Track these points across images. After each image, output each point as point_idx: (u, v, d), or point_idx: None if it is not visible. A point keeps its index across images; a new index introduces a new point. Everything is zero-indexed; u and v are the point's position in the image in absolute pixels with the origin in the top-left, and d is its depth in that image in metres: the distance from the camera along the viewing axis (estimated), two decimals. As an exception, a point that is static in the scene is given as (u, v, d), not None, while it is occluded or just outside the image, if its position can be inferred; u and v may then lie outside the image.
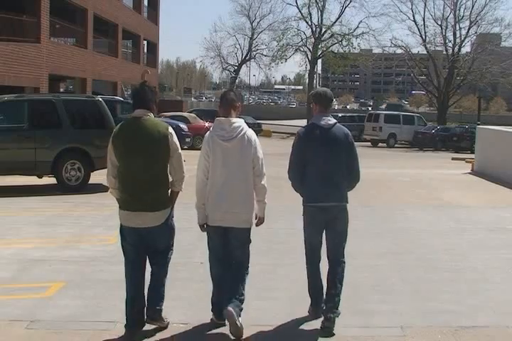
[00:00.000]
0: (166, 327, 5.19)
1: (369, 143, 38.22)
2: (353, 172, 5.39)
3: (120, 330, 5.19)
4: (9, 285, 6.42)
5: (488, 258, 7.96)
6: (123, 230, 5.13)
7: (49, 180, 13.46)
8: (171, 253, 5.29)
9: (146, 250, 5.14)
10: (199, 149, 5.51)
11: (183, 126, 22.79)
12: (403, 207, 11.89)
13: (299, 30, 50.98)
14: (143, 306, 5.08)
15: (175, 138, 5.11)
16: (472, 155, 22.05)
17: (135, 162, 4.99)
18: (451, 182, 16.61)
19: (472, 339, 5.24)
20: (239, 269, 5.27)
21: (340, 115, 43.69)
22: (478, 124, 28.74)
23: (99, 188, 13.17)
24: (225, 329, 5.14)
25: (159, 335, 5.13)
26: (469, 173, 18.96)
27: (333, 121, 5.37)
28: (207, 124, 27.31)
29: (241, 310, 5.06)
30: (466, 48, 51.35)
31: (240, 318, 4.97)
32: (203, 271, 6.92)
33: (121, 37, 38.00)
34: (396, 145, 37.58)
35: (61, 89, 35.26)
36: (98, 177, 13.66)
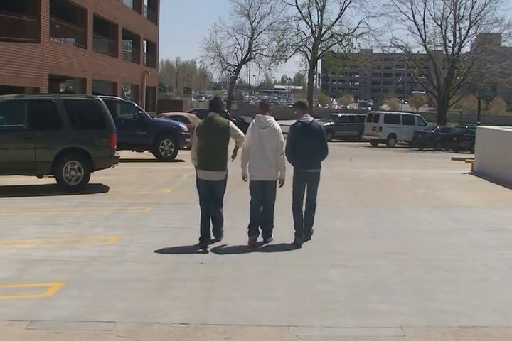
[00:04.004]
0: (222, 239, 8.46)
1: (369, 143, 38.22)
2: (324, 149, 8.50)
3: (120, 330, 5.21)
4: (9, 285, 6.42)
5: (488, 258, 7.97)
6: (198, 181, 8.41)
7: (49, 180, 13.46)
8: (222, 201, 8.42)
9: (211, 195, 8.25)
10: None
11: (183, 126, 22.70)
12: (403, 207, 11.89)
13: (298, 30, 50.91)
14: (209, 226, 8.25)
15: (233, 126, 8.27)
16: (472, 155, 22.02)
17: (209, 141, 8.13)
18: (451, 182, 16.60)
19: (472, 339, 5.24)
20: (270, 206, 8.40)
21: (340, 115, 43.71)
22: (478, 124, 28.69)
23: (99, 188, 13.18)
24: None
25: (216, 243, 8.29)
26: (469, 173, 18.94)
27: (311, 118, 8.53)
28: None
29: (272, 227, 8.49)
30: (466, 48, 51.20)
31: (272, 235, 8.48)
32: (203, 271, 6.95)
33: (121, 37, 37.99)
34: (396, 145, 37.49)
35: (61, 89, 35.25)
36: (98, 177, 13.69)
